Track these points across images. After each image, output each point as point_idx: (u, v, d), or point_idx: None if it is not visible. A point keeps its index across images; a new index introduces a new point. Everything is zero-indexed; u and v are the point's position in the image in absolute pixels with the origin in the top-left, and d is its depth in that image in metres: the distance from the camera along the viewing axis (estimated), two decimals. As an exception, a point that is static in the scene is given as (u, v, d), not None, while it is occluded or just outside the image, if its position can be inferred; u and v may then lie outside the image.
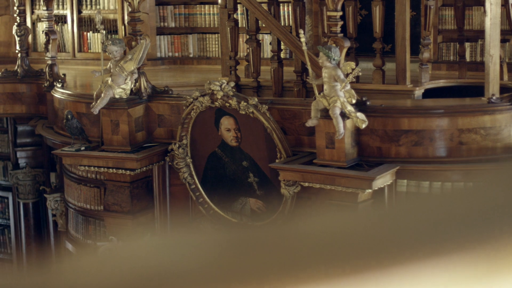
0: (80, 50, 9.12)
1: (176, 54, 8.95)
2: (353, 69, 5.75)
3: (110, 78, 6.57)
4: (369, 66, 6.83)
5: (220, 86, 6.20)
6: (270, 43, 7.06)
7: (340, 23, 6.02)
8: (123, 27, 8.70)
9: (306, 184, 5.93)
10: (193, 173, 6.55)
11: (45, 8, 7.83)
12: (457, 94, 6.79)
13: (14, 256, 9.03)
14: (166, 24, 8.96)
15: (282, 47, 7.19)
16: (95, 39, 9.03)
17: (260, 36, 7.25)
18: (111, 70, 6.58)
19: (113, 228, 6.76)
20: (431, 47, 6.98)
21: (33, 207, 8.84)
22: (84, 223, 7.30)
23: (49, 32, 7.79)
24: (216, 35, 8.69)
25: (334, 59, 5.80)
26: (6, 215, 9.10)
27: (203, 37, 8.87)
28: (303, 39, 5.88)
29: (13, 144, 8.83)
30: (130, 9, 6.72)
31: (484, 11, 6.32)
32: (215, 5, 8.71)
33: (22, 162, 8.80)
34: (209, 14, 8.81)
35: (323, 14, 7.15)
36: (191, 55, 8.94)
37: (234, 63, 7.20)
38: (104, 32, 6.90)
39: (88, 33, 9.07)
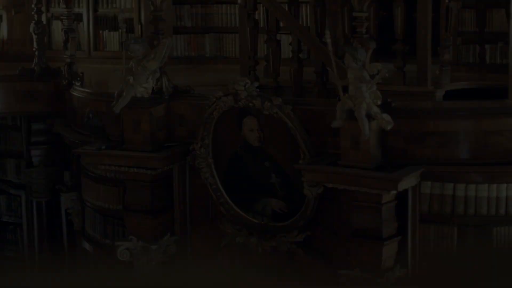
0: (96, 49, 9.10)
1: (193, 54, 8.94)
2: (379, 70, 5.74)
3: (131, 77, 6.53)
4: (387, 67, 6.80)
5: (244, 86, 6.18)
6: (291, 44, 7.03)
7: (366, 23, 6.01)
8: (139, 26, 8.68)
9: (330, 185, 5.92)
10: (214, 173, 6.52)
11: (64, 6, 7.82)
12: (477, 96, 6.79)
13: (26, 255, 9.00)
14: (182, 23, 8.94)
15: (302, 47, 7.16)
16: (111, 38, 9.02)
17: (278, 36, 7.22)
18: (133, 69, 6.55)
19: (133, 227, 6.74)
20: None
21: (46, 205, 8.81)
22: (102, 222, 7.27)
23: (68, 31, 7.78)
24: (233, 34, 8.67)
25: (360, 60, 5.78)
26: (19, 214, 9.08)
27: (220, 36, 8.86)
28: (329, 41, 5.86)
29: (27, 142, 8.79)
30: (152, 8, 6.70)
31: (507, 13, 6.32)
32: (232, 5, 8.70)
33: (35, 160, 8.76)
34: (226, 13, 8.80)
35: (344, 15, 7.14)
36: (208, 55, 8.92)
37: (254, 63, 7.19)
38: (124, 30, 6.88)
39: (104, 32, 9.05)
